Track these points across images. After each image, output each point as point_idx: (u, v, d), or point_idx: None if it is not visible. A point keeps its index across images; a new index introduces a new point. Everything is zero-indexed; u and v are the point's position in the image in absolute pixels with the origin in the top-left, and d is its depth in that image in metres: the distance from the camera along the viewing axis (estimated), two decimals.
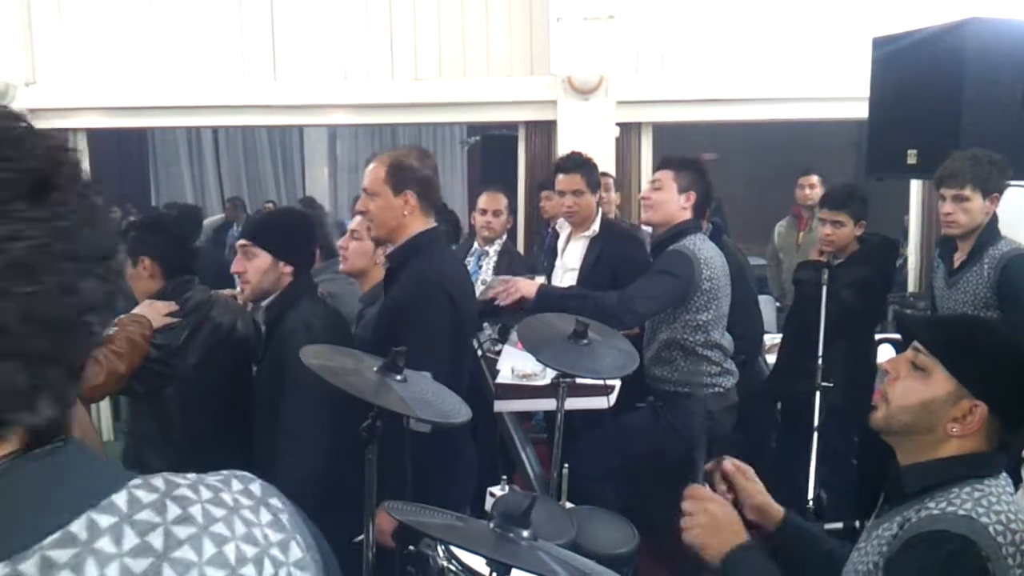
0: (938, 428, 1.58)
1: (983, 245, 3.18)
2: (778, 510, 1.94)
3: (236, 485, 0.74)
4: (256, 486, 0.76)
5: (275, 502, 0.75)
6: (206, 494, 0.70)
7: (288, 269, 2.71)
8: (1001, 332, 1.73)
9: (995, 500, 1.50)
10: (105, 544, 0.63)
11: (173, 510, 0.67)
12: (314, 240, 2.95)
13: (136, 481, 0.68)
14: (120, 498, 0.66)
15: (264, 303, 2.76)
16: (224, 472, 0.76)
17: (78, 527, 0.63)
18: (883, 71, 4.01)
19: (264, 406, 2.67)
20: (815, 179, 5.90)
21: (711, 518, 1.74)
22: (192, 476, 0.73)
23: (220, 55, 6.76)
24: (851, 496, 3.62)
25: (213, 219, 9.97)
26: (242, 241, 2.76)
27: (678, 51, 6.50)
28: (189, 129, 12.50)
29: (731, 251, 4.11)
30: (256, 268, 2.69)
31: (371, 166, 2.69)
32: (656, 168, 3.52)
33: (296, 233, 2.84)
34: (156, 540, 0.64)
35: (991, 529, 1.45)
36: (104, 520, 0.64)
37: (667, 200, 3.36)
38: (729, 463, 1.99)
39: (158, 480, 0.70)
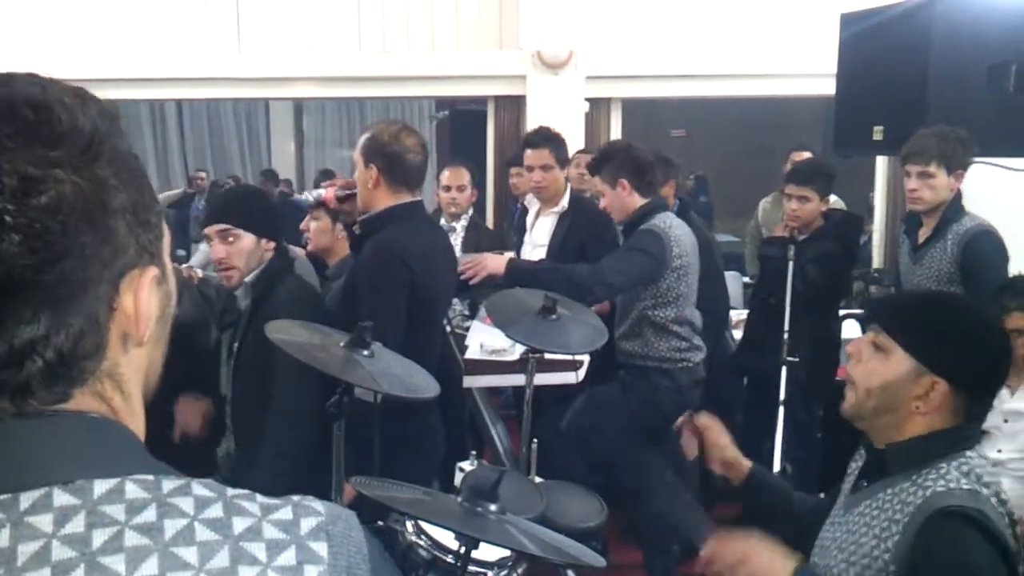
0: (901, 408, 1.57)
1: (947, 221, 3.21)
2: (746, 464, 1.98)
3: (280, 514, 0.63)
4: (308, 522, 0.63)
5: (317, 548, 0.62)
6: (212, 513, 0.60)
7: (271, 245, 2.59)
8: (953, 306, 1.75)
9: (982, 473, 1.52)
10: (41, 522, 0.57)
11: (146, 515, 0.58)
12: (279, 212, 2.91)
13: (143, 476, 0.61)
14: (102, 485, 0.59)
15: (248, 279, 2.61)
16: (295, 498, 0.65)
17: (26, 498, 0.58)
18: (851, 48, 4.01)
19: (247, 385, 2.56)
20: (808, 155, 5.60)
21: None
22: (234, 492, 0.63)
23: (183, 26, 6.61)
24: (816, 469, 3.67)
25: (169, 194, 9.74)
26: (220, 226, 2.55)
27: (648, 26, 6.48)
28: (152, 102, 12.26)
29: (698, 227, 4.13)
30: (241, 251, 2.53)
31: None
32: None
33: (269, 207, 2.79)
34: (98, 536, 0.57)
35: (992, 500, 1.48)
36: (61, 499, 0.58)
37: (611, 199, 3.40)
38: (699, 419, 2.05)
39: (174, 483, 0.61)
